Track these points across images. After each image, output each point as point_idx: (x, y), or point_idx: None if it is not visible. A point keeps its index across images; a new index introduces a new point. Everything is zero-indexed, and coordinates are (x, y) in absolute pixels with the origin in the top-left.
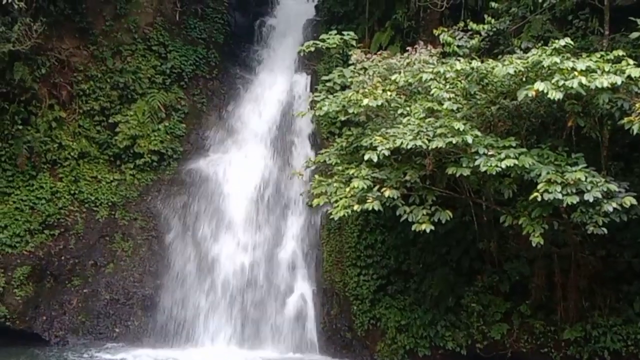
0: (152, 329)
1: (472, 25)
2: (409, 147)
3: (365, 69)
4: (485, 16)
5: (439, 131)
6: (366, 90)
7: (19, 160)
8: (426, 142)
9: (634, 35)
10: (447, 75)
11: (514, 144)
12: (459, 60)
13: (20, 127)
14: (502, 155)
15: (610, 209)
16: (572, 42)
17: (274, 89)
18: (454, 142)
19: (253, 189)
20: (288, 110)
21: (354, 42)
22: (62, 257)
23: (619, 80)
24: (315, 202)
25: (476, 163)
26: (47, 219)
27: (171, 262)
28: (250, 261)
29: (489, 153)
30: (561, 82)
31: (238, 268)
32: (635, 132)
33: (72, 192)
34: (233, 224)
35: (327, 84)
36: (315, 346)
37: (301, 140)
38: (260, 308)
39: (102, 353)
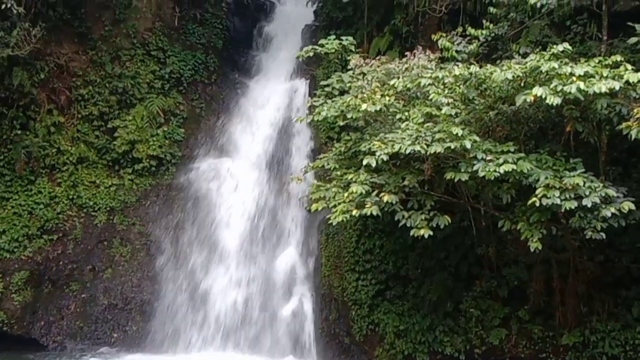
0: (150, 334)
1: (471, 31)
2: (407, 152)
3: (364, 74)
4: (484, 21)
5: (437, 136)
6: (365, 95)
7: (17, 165)
8: (425, 147)
9: (632, 40)
10: (446, 81)
11: (512, 149)
12: (457, 66)
13: (19, 132)
14: (501, 160)
15: (609, 214)
16: (570, 48)
17: (272, 94)
18: (452, 147)
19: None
20: (287, 116)
21: (352, 47)
22: (61, 262)
23: (617, 85)
24: (313, 207)
25: (474, 168)
26: (46, 224)
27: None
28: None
29: (488, 158)
30: (559, 87)
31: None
32: (633, 137)
33: (70, 197)
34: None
35: (326, 89)
36: (314, 351)
37: (300, 145)
38: (258, 312)
39: (100, 358)
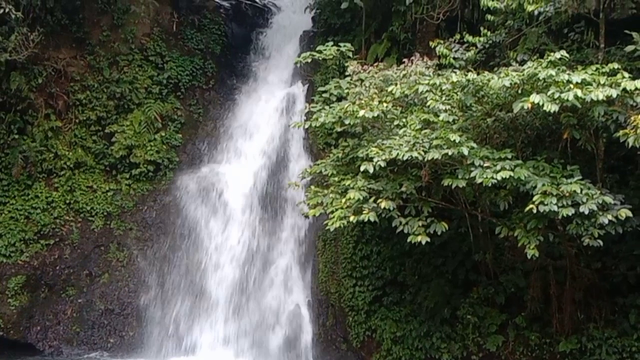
0: (146, 340)
1: (468, 38)
2: (404, 158)
3: (362, 80)
4: (481, 28)
5: (434, 143)
6: (362, 101)
7: (15, 169)
8: (422, 153)
9: (629, 48)
10: (443, 87)
11: (509, 156)
12: (455, 72)
13: (16, 136)
14: (498, 167)
15: (606, 221)
16: (567, 55)
17: (270, 99)
18: (449, 153)
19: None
20: (284, 122)
21: (350, 54)
22: (57, 267)
23: (614, 93)
24: (311, 212)
25: (472, 175)
26: (42, 229)
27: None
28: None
29: (485, 165)
30: (557, 95)
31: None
32: (630, 144)
33: (67, 201)
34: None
35: (324, 95)
36: (310, 357)
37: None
38: (254, 317)
39: None
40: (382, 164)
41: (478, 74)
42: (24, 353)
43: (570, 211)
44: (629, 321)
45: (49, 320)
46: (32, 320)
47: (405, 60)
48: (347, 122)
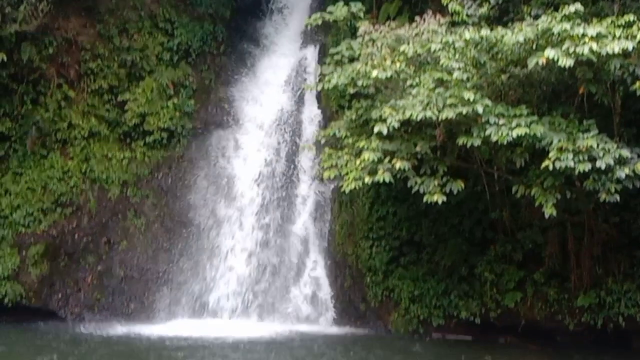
0: (167, 305)
1: None
2: (418, 118)
3: (374, 40)
4: None
5: (448, 101)
6: (375, 62)
7: (29, 140)
8: (436, 112)
9: None
10: (456, 45)
11: (525, 113)
12: (468, 29)
13: (30, 107)
14: (513, 124)
15: (623, 176)
16: (582, 8)
17: (281, 63)
18: (464, 112)
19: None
20: (297, 85)
21: (361, 14)
22: (76, 236)
23: (630, 45)
24: (325, 175)
25: (487, 133)
26: (60, 198)
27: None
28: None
29: (500, 122)
30: (572, 49)
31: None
32: None
33: (83, 170)
34: None
35: (335, 57)
36: (329, 318)
37: (310, 113)
38: (273, 281)
39: (119, 328)
40: (396, 125)
41: (491, 30)
42: (47, 320)
43: (587, 166)
44: None
45: (69, 287)
46: (53, 288)
47: (418, 18)
48: (359, 83)
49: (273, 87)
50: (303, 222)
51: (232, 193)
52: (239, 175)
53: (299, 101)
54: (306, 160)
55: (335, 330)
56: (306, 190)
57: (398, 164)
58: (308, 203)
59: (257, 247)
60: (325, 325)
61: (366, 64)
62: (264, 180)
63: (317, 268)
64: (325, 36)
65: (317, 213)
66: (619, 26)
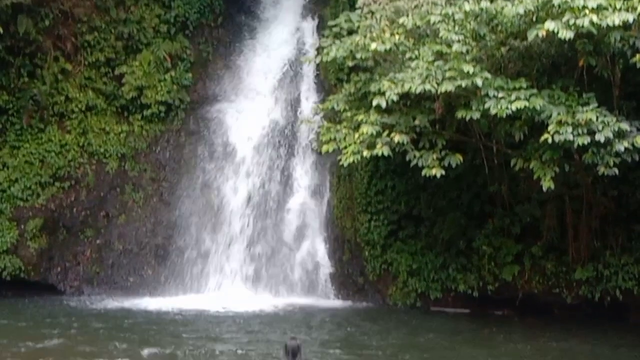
0: (166, 278)
1: None
2: (417, 91)
3: (373, 12)
4: None
5: (448, 74)
6: (374, 34)
7: (24, 115)
8: (435, 85)
9: None
10: (456, 17)
11: (524, 86)
12: (467, 1)
13: (27, 79)
14: (513, 97)
15: (622, 149)
16: None
17: (279, 35)
18: (463, 85)
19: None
20: (295, 57)
21: None
22: (74, 209)
23: (630, 17)
24: (324, 148)
25: (486, 106)
26: (57, 172)
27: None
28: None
29: (499, 95)
30: (572, 21)
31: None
32: None
33: (81, 144)
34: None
35: (334, 29)
36: (328, 291)
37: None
38: (272, 254)
39: (118, 302)
40: (395, 98)
41: (491, 1)
42: (46, 294)
43: (586, 140)
44: None
45: (68, 261)
46: (52, 262)
47: None
48: (358, 56)
49: (271, 60)
50: (302, 195)
51: (232, 167)
52: (238, 148)
53: (298, 74)
54: (304, 134)
55: (333, 303)
56: (305, 164)
57: (397, 138)
58: (307, 177)
59: (257, 221)
60: (324, 298)
61: (365, 36)
62: (264, 153)
63: (315, 242)
64: (324, 8)
65: (315, 187)
66: None
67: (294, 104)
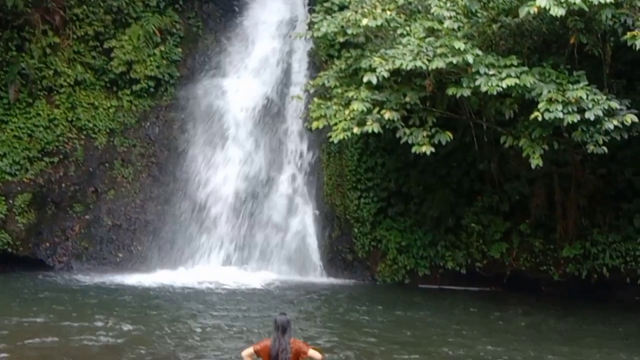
0: (155, 253)
1: None
2: (408, 68)
3: None
4: None
5: (439, 51)
6: (365, 10)
7: (11, 90)
8: (426, 62)
9: None
10: None
11: (515, 63)
12: None
13: (15, 53)
14: (503, 75)
15: (611, 127)
16: None
17: (270, 10)
18: (454, 62)
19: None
20: (286, 33)
21: None
22: (63, 184)
23: None
24: (314, 125)
25: (477, 83)
26: (46, 147)
27: None
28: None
29: (490, 73)
30: None
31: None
32: (638, 47)
33: (69, 119)
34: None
35: (325, 5)
36: (318, 268)
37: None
38: (261, 231)
39: (107, 277)
40: (386, 75)
41: None
42: (36, 269)
43: (576, 117)
44: (633, 225)
45: (57, 236)
46: (40, 237)
47: None
48: (349, 31)
49: (262, 35)
50: (292, 171)
51: (221, 143)
52: (227, 125)
53: (289, 50)
54: (295, 110)
55: (323, 280)
56: (295, 140)
57: (387, 115)
58: (297, 153)
59: (247, 196)
60: (313, 275)
61: (356, 12)
62: (254, 128)
63: (305, 218)
64: None
65: (305, 163)
66: None
67: (285, 80)
